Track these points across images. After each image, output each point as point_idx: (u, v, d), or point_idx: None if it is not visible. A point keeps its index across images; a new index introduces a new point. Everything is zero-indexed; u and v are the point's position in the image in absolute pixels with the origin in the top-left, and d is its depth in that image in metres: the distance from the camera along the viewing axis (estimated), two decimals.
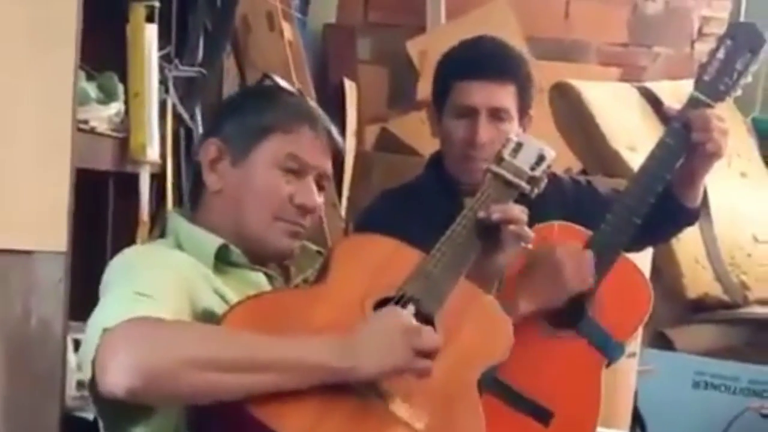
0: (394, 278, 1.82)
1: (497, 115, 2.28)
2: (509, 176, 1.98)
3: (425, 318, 1.78)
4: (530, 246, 1.99)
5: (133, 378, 1.50)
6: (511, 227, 1.94)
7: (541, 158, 2.00)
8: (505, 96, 2.29)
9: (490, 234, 1.95)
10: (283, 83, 2.00)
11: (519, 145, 2.01)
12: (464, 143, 2.30)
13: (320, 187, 1.91)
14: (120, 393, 1.52)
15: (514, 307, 2.05)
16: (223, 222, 1.86)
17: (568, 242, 2.20)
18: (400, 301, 1.78)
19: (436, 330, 1.77)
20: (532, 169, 1.99)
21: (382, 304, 1.78)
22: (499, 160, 2.00)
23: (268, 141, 1.85)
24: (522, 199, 1.99)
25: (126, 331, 1.55)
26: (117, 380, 1.51)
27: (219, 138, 1.88)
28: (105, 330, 1.56)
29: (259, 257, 1.89)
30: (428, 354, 1.65)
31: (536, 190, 1.99)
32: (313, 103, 1.97)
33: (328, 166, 1.91)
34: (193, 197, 1.95)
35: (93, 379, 1.59)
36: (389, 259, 1.87)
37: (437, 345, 1.66)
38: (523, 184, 1.98)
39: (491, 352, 1.86)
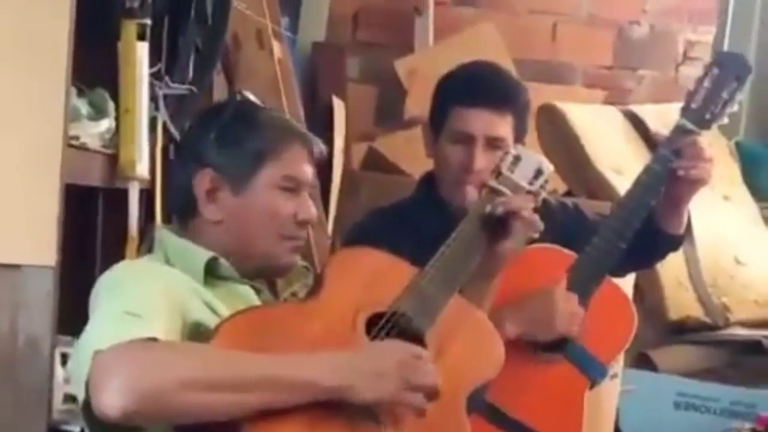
0: (387, 293, 1.84)
1: (494, 143, 2.28)
2: (506, 191, 1.99)
3: (416, 335, 1.80)
4: (537, 235, 2.00)
5: (128, 400, 1.52)
6: (523, 214, 1.95)
7: (539, 172, 2.00)
8: (503, 125, 2.29)
9: (495, 227, 1.96)
10: (255, 100, 2.02)
11: (517, 159, 2.00)
12: (459, 169, 2.31)
13: (312, 197, 1.96)
14: (115, 415, 1.53)
15: (499, 326, 2.06)
16: (222, 246, 1.88)
17: (555, 268, 2.22)
18: (393, 317, 1.80)
19: (428, 347, 1.78)
20: (530, 183, 2.00)
21: (374, 319, 1.79)
22: (497, 174, 2.00)
23: (265, 167, 1.88)
24: None
25: (118, 353, 1.56)
26: (112, 403, 1.52)
27: (211, 168, 1.89)
28: (96, 352, 1.57)
29: (256, 271, 1.91)
30: (423, 391, 1.67)
31: (534, 205, 2.00)
32: (287, 116, 2.01)
33: (313, 176, 1.96)
34: (182, 220, 1.95)
35: (86, 402, 1.60)
36: (382, 273, 1.88)
37: (434, 384, 1.67)
38: None
39: (481, 370, 1.87)
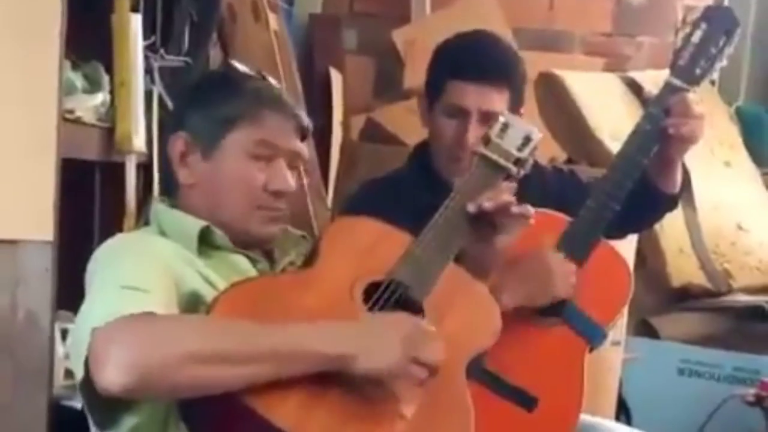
0: (384, 262, 1.82)
1: (489, 118, 2.24)
2: (496, 158, 1.96)
3: (414, 304, 1.79)
4: (532, 221, 1.99)
5: (129, 376, 1.50)
6: (512, 210, 1.94)
7: (527, 139, 1.98)
8: (499, 100, 2.27)
9: (484, 221, 1.95)
10: (243, 68, 1.98)
11: (506, 126, 1.98)
12: (453, 143, 2.30)
13: (293, 167, 1.91)
14: (117, 391, 1.52)
15: (496, 298, 2.05)
16: (203, 212, 1.86)
17: (546, 232, 2.21)
18: (390, 285, 1.79)
19: (425, 316, 1.78)
20: (519, 150, 1.97)
21: (371, 288, 1.79)
22: (486, 141, 1.98)
23: (235, 131, 1.85)
24: (508, 179, 1.99)
25: (118, 329, 1.55)
26: (113, 379, 1.51)
27: (185, 131, 1.87)
28: (95, 328, 1.56)
29: (241, 242, 1.89)
30: (428, 366, 1.66)
31: (522, 172, 1.98)
32: (275, 85, 1.95)
33: (297, 146, 1.91)
34: (167, 187, 1.94)
35: (85, 378, 1.59)
36: (379, 242, 1.87)
37: (438, 360, 1.66)
38: (510, 165, 1.96)
39: (479, 338, 1.86)
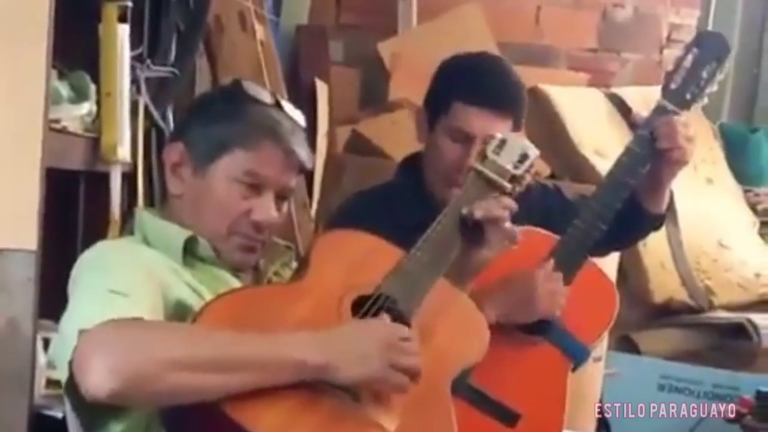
0: (373, 276, 1.82)
1: None
2: (491, 175, 1.96)
3: (401, 318, 1.79)
4: (516, 246, 1.98)
5: (115, 381, 1.51)
6: (499, 226, 1.93)
7: (524, 156, 1.97)
8: (503, 127, 2.25)
9: (473, 230, 1.94)
10: (254, 90, 1.94)
11: (503, 143, 1.98)
12: (453, 166, 2.28)
13: (282, 198, 1.90)
14: (102, 396, 1.52)
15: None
16: (185, 222, 1.87)
17: (533, 251, 2.21)
18: (378, 299, 1.79)
19: (412, 330, 1.77)
20: (515, 167, 1.97)
21: (359, 301, 1.79)
22: (483, 157, 1.97)
23: (228, 155, 1.84)
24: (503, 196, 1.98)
25: (104, 333, 1.55)
26: (99, 383, 1.51)
27: (183, 142, 1.87)
28: (81, 331, 1.56)
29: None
30: (408, 372, 1.66)
31: (518, 189, 1.98)
32: (284, 111, 1.91)
33: (289, 181, 1.89)
34: (163, 193, 1.96)
35: (70, 380, 1.59)
36: (368, 255, 1.87)
37: (417, 366, 1.67)
38: (505, 183, 1.96)
39: (466, 353, 1.85)
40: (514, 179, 1.97)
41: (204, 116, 1.89)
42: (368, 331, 1.68)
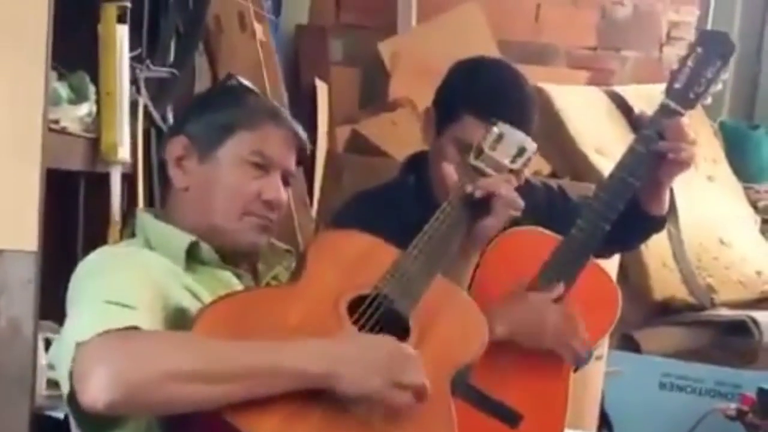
0: (370, 276, 1.82)
1: None
2: (488, 170, 1.95)
3: (400, 317, 1.79)
4: (518, 213, 1.97)
5: (113, 393, 1.51)
6: (503, 197, 1.93)
7: (522, 150, 1.97)
8: None
9: (476, 208, 1.94)
10: (246, 83, 1.99)
11: (500, 137, 1.96)
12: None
13: (285, 183, 1.92)
14: (100, 407, 1.52)
15: (490, 325, 2.03)
16: (191, 218, 1.87)
17: (537, 251, 2.20)
18: (375, 299, 1.78)
19: (411, 329, 1.78)
20: (512, 161, 1.96)
21: (357, 301, 1.78)
22: (479, 152, 1.97)
23: (233, 138, 1.86)
24: None
25: (101, 345, 1.55)
26: (96, 395, 1.52)
27: (185, 135, 1.89)
28: (79, 343, 1.56)
29: (229, 253, 1.89)
30: (411, 389, 1.65)
31: (516, 183, 1.98)
32: (275, 103, 1.98)
33: (292, 164, 1.93)
34: (163, 195, 1.96)
35: (71, 393, 1.59)
36: (365, 255, 1.86)
37: (421, 383, 1.66)
38: None
39: (466, 350, 1.85)
40: (511, 173, 1.95)
41: (204, 107, 1.91)
42: (372, 344, 1.67)
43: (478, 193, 1.93)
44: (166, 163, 1.91)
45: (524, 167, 1.96)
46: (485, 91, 2.26)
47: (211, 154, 1.87)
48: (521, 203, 1.97)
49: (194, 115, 1.91)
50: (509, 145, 1.96)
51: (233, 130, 1.86)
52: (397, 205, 2.31)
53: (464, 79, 2.32)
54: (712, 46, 2.26)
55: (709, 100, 2.27)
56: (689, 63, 2.25)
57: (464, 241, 1.97)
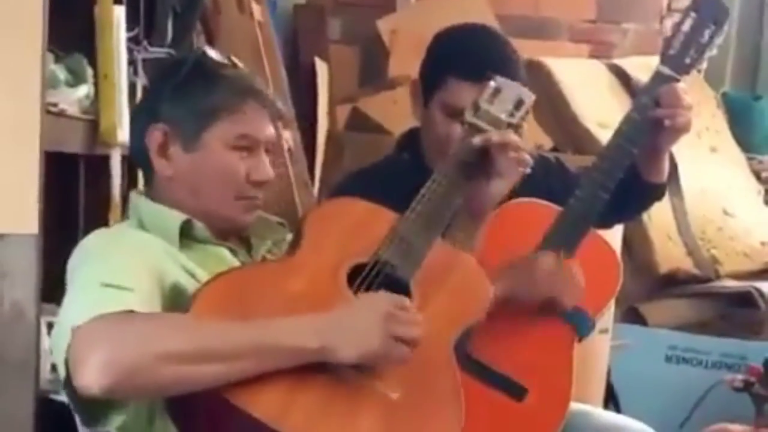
0: (369, 243, 1.81)
1: None
2: (485, 126, 1.92)
3: (401, 284, 1.77)
4: (528, 170, 1.95)
5: (108, 376, 1.51)
6: (511, 153, 1.91)
7: (519, 103, 1.93)
8: None
9: (481, 167, 1.91)
10: (216, 56, 1.98)
11: (497, 91, 1.93)
12: (448, 141, 2.22)
13: (269, 152, 1.92)
14: (96, 391, 1.52)
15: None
16: (181, 203, 1.86)
17: (536, 222, 2.20)
18: (375, 266, 1.77)
19: (413, 295, 1.77)
20: (510, 115, 1.93)
21: (356, 270, 1.77)
22: (476, 108, 1.93)
23: (217, 123, 1.85)
24: None
25: (96, 329, 1.55)
26: (93, 379, 1.51)
27: (164, 122, 1.86)
28: (74, 327, 1.56)
29: (220, 231, 1.89)
30: (409, 342, 1.65)
31: (516, 136, 1.95)
32: (245, 70, 1.97)
33: (273, 133, 1.92)
34: (146, 178, 1.94)
35: (67, 377, 1.59)
36: (363, 222, 1.85)
37: (418, 333, 1.66)
38: None
39: (468, 311, 1.84)
40: (509, 128, 1.93)
41: (180, 92, 1.87)
42: (366, 306, 1.67)
43: (477, 141, 1.90)
44: (144, 150, 1.87)
45: (523, 120, 1.94)
46: (464, 50, 2.26)
47: (195, 141, 1.85)
48: (530, 159, 1.94)
49: (170, 101, 1.87)
50: (506, 99, 1.93)
51: (215, 114, 1.85)
52: (393, 181, 2.28)
53: (444, 44, 2.31)
54: (706, 11, 2.26)
55: (704, 65, 2.27)
56: (683, 28, 2.25)
57: (473, 203, 1.95)
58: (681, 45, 2.24)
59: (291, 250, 1.84)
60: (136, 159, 1.94)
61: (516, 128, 1.92)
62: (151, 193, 1.90)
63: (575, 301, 2.19)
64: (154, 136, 1.86)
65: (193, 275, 1.78)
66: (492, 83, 1.94)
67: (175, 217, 1.83)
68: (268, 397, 1.58)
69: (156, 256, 1.76)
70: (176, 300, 1.72)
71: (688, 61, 2.24)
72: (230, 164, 1.85)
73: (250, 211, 1.90)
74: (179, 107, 1.86)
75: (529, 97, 1.94)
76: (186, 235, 1.84)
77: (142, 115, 1.93)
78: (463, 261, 1.91)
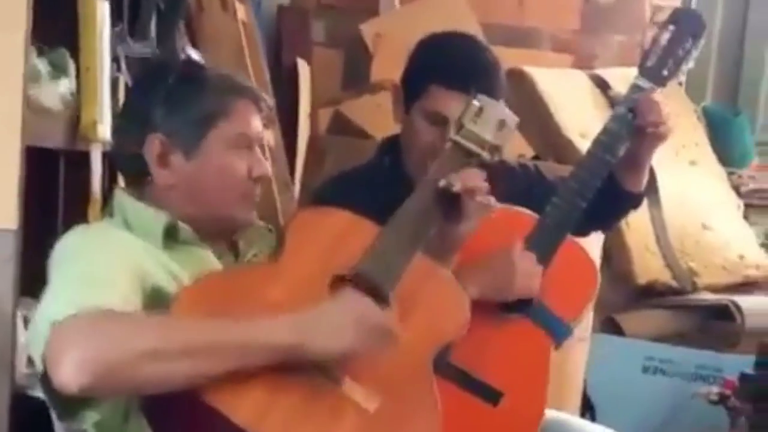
0: (349, 254, 1.80)
1: None
2: (469, 145, 1.92)
3: (379, 296, 1.77)
4: (493, 215, 1.97)
5: (85, 374, 1.50)
6: (477, 198, 1.92)
7: (502, 124, 1.93)
8: None
9: (451, 203, 1.91)
10: (198, 59, 1.99)
11: (480, 110, 1.92)
12: (430, 148, 2.22)
13: (261, 147, 1.95)
14: (74, 389, 1.51)
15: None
16: (183, 209, 1.85)
17: (514, 230, 2.20)
18: (354, 279, 1.77)
19: (391, 308, 1.76)
20: (493, 135, 1.92)
21: (336, 281, 1.77)
22: (459, 127, 1.93)
23: (216, 127, 1.85)
24: (481, 166, 1.95)
25: (74, 327, 1.54)
26: (70, 377, 1.51)
27: (160, 132, 1.85)
28: (53, 324, 1.55)
29: (217, 233, 1.90)
30: (383, 336, 1.66)
31: (497, 157, 1.94)
32: (229, 71, 1.98)
33: (262, 129, 1.95)
34: (133, 184, 1.92)
35: (45, 374, 1.58)
36: (344, 233, 1.85)
37: (394, 325, 1.67)
38: (484, 153, 1.92)
39: (447, 329, 1.84)
40: (492, 149, 1.92)
41: (171, 102, 1.86)
42: (341, 302, 1.68)
43: (457, 186, 1.90)
44: (137, 157, 1.86)
45: (506, 141, 1.94)
46: (447, 58, 2.27)
47: (196, 147, 1.85)
48: (496, 205, 1.96)
49: (163, 110, 1.86)
50: (490, 119, 1.93)
51: (212, 121, 1.85)
52: (373, 186, 2.29)
53: (425, 52, 2.32)
54: (683, 24, 2.30)
55: (681, 78, 2.31)
56: (661, 41, 2.28)
57: (439, 243, 1.95)
58: (658, 57, 2.28)
59: (273, 257, 1.84)
60: (126, 166, 1.94)
61: (498, 149, 1.92)
62: (136, 193, 1.89)
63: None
64: (153, 146, 1.85)
65: (174, 276, 1.77)
66: (476, 102, 1.93)
67: (159, 218, 1.83)
68: (246, 400, 1.58)
69: (138, 256, 1.75)
70: (157, 301, 1.71)
71: (665, 73, 2.28)
72: (232, 164, 1.87)
73: (252, 208, 1.91)
74: (175, 116, 1.85)
75: (513, 119, 1.94)
76: (170, 236, 1.83)
77: (133, 124, 1.91)
78: (443, 278, 1.91)
